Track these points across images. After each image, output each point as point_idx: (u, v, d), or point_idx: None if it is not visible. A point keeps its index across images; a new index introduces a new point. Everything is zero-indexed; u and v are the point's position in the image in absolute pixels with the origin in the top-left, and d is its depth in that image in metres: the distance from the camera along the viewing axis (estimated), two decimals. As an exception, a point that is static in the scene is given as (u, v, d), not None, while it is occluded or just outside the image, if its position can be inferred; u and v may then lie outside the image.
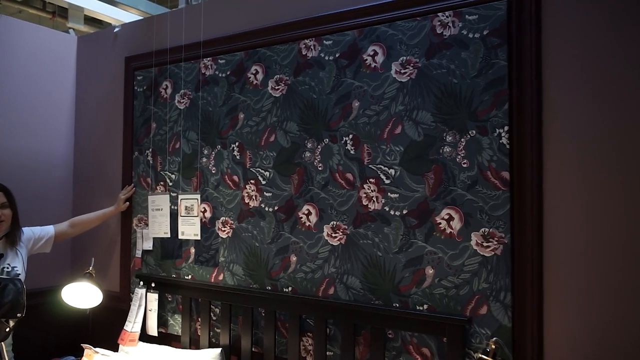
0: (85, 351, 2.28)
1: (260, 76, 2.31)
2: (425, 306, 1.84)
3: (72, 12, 3.19)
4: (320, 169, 2.11)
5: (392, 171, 1.94)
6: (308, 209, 2.13)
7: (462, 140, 1.80)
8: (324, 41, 2.13)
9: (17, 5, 4.40)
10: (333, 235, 2.06)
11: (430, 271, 1.83)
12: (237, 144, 2.36)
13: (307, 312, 2.08)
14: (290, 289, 2.16)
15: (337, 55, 2.09)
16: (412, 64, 1.91)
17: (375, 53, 2.00)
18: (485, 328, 1.73)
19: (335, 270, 2.05)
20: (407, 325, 1.84)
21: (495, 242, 1.72)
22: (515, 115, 1.71)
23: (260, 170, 2.28)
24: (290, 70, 2.22)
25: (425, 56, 1.89)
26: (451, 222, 1.80)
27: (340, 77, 2.08)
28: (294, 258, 2.16)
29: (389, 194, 1.94)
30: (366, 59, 2.02)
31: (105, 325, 2.78)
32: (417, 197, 1.88)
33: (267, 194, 2.25)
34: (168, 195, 2.51)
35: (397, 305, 1.89)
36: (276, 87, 2.25)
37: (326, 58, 2.12)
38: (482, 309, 1.73)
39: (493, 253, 1.72)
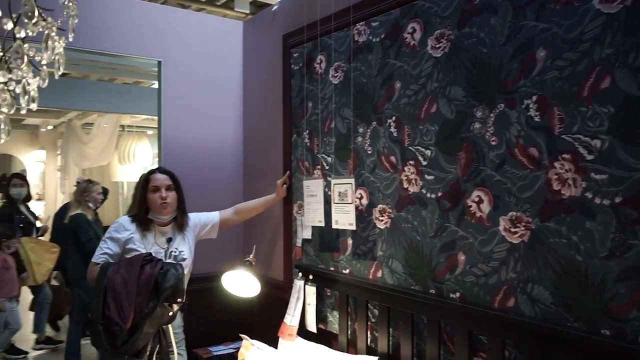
0: (243, 341, 2.22)
1: (417, 35, 1.90)
2: (654, 340, 1.25)
3: (237, -1, 3.19)
4: (493, 143, 1.63)
5: (596, 142, 1.37)
6: (479, 196, 1.68)
7: None
8: (496, -24, 1.63)
9: (221, 10, 4.69)
10: (512, 230, 1.57)
11: (661, 288, 1.24)
12: (393, 118, 2.00)
13: (478, 327, 1.63)
14: (458, 294, 1.74)
15: (514, -8, 1.58)
16: (628, -15, 1.31)
17: (570, -21, 1.43)
18: None
19: (516, 276, 1.56)
20: (625, 363, 1.28)
21: None
22: None
23: (420, 148, 1.89)
24: (453, 22, 1.77)
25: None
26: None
27: (519, 20, 1.56)
28: (462, 257, 1.73)
29: (592, 174, 1.38)
30: (556, -10, 1.46)
31: (269, 315, 2.71)
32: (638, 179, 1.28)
33: (429, 177, 1.85)
34: (322, 180, 2.28)
35: (607, 332, 1.34)
36: (437, 46, 1.83)
37: (499, -2, 1.62)
38: None
39: None
